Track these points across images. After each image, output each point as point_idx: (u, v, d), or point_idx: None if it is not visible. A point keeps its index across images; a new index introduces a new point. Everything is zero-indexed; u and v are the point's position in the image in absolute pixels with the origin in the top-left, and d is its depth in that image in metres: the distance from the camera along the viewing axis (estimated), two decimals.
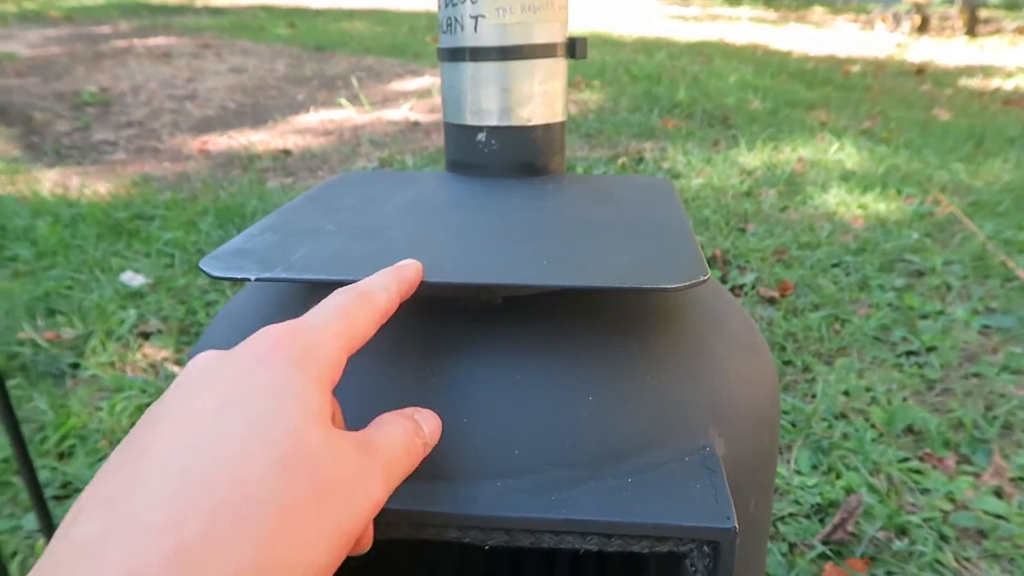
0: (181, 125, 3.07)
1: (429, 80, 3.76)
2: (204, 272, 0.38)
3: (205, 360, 0.27)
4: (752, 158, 2.45)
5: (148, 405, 1.17)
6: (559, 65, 0.56)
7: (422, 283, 0.37)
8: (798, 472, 1.02)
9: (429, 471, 0.37)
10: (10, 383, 1.16)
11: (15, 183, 2.22)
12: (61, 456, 1.05)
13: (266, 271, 0.38)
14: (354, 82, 3.68)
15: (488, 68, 0.53)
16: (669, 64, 4.06)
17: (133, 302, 1.47)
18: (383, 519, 0.35)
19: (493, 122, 0.56)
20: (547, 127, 0.57)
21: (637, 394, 0.40)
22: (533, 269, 0.39)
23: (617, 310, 0.44)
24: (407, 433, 0.31)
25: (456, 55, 0.54)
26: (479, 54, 0.53)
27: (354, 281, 0.34)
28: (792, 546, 0.89)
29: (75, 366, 1.26)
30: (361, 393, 0.38)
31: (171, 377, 1.17)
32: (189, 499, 0.22)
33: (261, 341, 0.27)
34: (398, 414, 0.32)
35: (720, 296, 0.52)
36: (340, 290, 0.32)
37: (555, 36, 0.53)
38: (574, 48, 0.56)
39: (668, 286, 0.37)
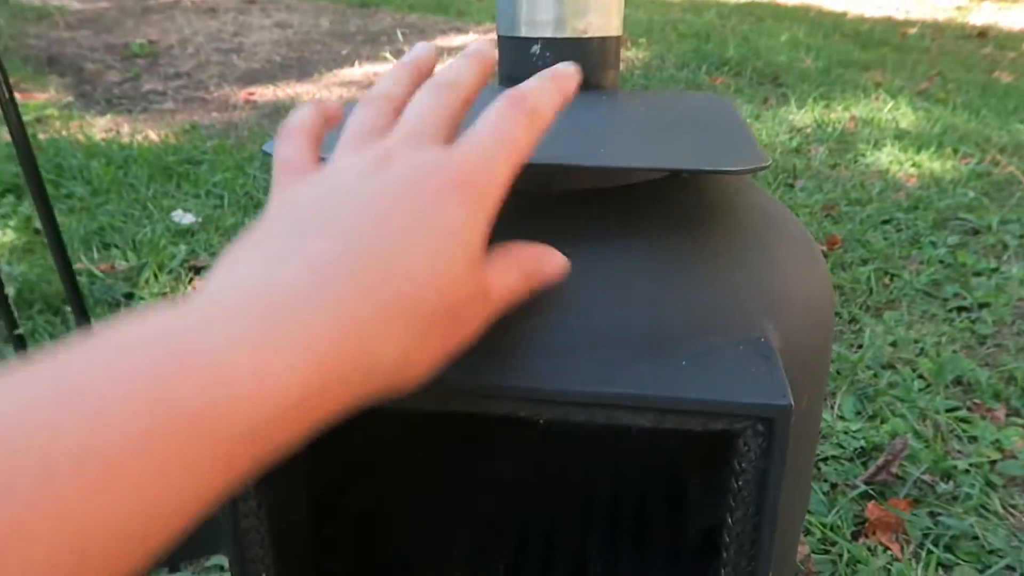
0: (228, 77, 3.10)
1: (473, 37, 3.73)
2: (267, 153, 0.39)
3: (383, 167, 0.27)
4: (803, 116, 2.39)
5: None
6: None
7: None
8: (841, 418, 1.01)
9: (487, 346, 0.37)
10: (67, 309, 1.20)
11: (69, 128, 2.27)
12: None
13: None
14: (399, 36, 3.66)
15: None
16: (718, 23, 3.96)
17: (183, 239, 1.50)
18: (441, 391, 0.35)
19: (548, 33, 0.55)
20: (602, 40, 0.56)
21: (694, 282, 0.40)
22: (589, 153, 0.39)
23: (673, 205, 0.44)
24: (520, 283, 0.32)
25: None
26: None
27: None
28: (834, 486, 0.88)
29: (129, 296, 1.29)
30: None
31: None
32: (376, 297, 0.24)
33: (445, 169, 0.27)
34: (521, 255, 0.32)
35: (779, 206, 0.51)
36: (506, 101, 0.30)
37: None
38: None
39: (732, 168, 0.37)
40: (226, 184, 1.75)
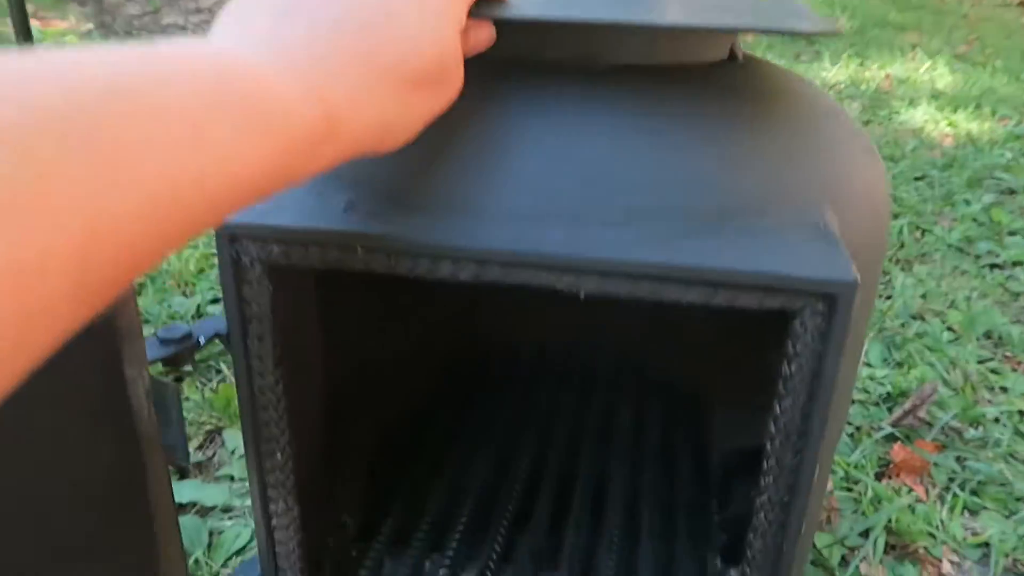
0: None
1: None
2: None
3: None
4: (836, 73, 2.32)
5: (213, 255, 1.18)
6: None
7: (532, 22, 0.34)
8: (868, 364, 0.99)
9: (523, 212, 0.35)
10: None
11: None
12: None
13: None
14: None
15: None
16: None
17: None
18: (479, 257, 0.33)
19: None
20: None
21: (750, 159, 0.37)
22: (651, 12, 0.36)
23: (728, 87, 0.41)
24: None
25: None
26: None
27: None
28: (858, 428, 0.86)
29: None
30: (483, 143, 0.36)
31: None
32: (372, 50, 0.27)
33: None
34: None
35: (832, 101, 0.48)
36: None
37: None
38: None
39: (802, 28, 0.34)
40: None
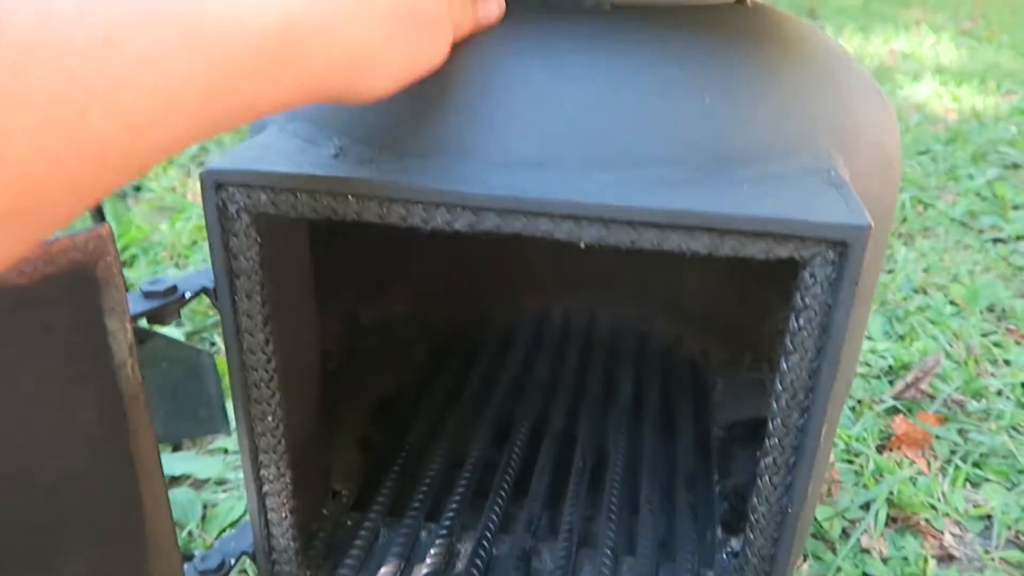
0: None
1: None
2: None
3: None
4: None
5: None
6: None
7: None
8: (869, 338, 0.98)
9: (523, 157, 0.33)
10: None
11: None
12: (123, 264, 1.06)
13: None
14: None
15: None
16: None
17: None
18: (476, 204, 0.32)
19: None
20: None
21: (759, 104, 0.35)
22: None
23: (738, 30, 0.39)
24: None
25: None
26: None
27: None
28: (859, 401, 0.85)
29: (138, 188, 1.26)
30: (481, 85, 0.34)
31: None
32: None
33: None
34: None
35: (848, 54, 0.46)
36: None
37: None
38: None
39: None
40: None
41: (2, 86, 0.16)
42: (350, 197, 0.31)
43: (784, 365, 0.33)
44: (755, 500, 0.37)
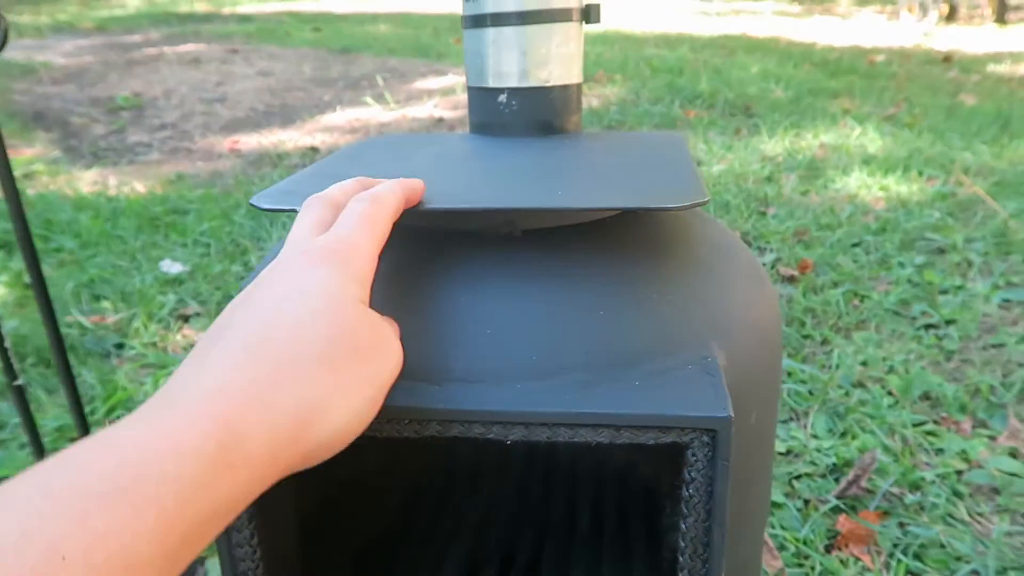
0: (212, 126, 3.15)
1: (453, 79, 3.81)
2: (254, 206, 0.43)
3: (268, 269, 0.33)
4: (773, 145, 2.46)
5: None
6: (575, 29, 0.60)
7: (449, 211, 0.41)
8: (814, 436, 1.05)
9: (456, 375, 0.41)
10: None
11: (56, 182, 2.31)
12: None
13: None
14: (379, 81, 3.74)
15: (508, 32, 0.57)
16: (691, 57, 4.07)
17: (172, 288, 1.53)
18: (419, 417, 0.39)
19: (514, 83, 0.60)
20: (564, 88, 0.61)
21: (646, 310, 0.44)
22: (547, 195, 0.43)
23: (629, 239, 0.48)
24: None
25: (479, 21, 0.58)
26: (500, 19, 0.57)
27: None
28: (807, 502, 0.92)
29: (120, 346, 1.32)
30: (399, 309, 0.42)
31: None
32: (259, 352, 0.28)
33: (311, 252, 0.33)
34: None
35: (727, 235, 0.56)
36: (356, 198, 0.37)
37: (571, 1, 0.57)
38: (589, 13, 0.60)
39: (671, 205, 0.41)
40: (213, 232, 1.79)
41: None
42: None
43: (683, 526, 0.41)
44: None
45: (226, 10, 7.58)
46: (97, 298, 1.50)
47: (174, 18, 6.87)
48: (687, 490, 0.40)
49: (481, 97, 0.62)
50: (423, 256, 0.45)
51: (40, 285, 0.84)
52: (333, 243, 0.34)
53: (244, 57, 4.66)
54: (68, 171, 2.47)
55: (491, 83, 0.60)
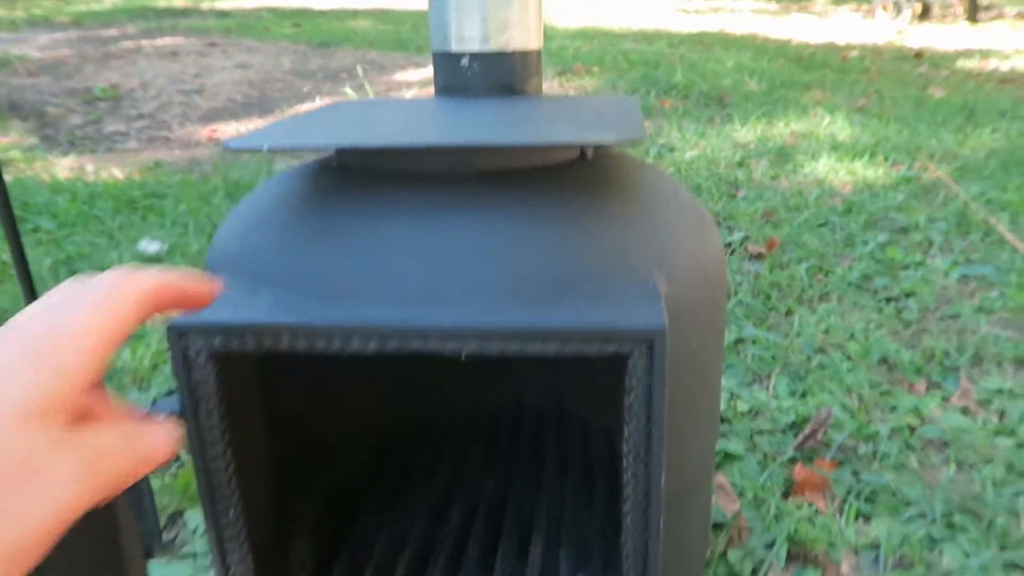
0: (190, 116, 3.16)
1: (432, 71, 3.83)
2: (227, 148, 0.46)
3: None
4: (746, 133, 2.51)
5: (166, 352, 1.25)
6: None
7: (406, 148, 0.45)
8: (775, 397, 1.09)
9: (417, 297, 0.44)
10: None
11: (33, 168, 2.31)
12: None
13: (278, 143, 0.46)
14: (359, 71, 3.76)
15: None
16: (668, 52, 4.12)
17: (151, 265, 1.55)
18: (368, 333, 0.42)
19: (475, 48, 0.63)
20: (524, 53, 0.64)
21: (593, 241, 0.47)
22: (498, 136, 0.47)
23: (581, 183, 0.51)
24: (127, 440, 0.30)
25: None
26: None
27: (354, 141, 0.41)
28: (766, 455, 0.96)
29: None
30: (377, 244, 0.45)
31: None
32: None
33: (13, 328, 0.27)
34: (127, 420, 0.32)
35: (674, 184, 0.59)
36: (113, 269, 0.32)
37: None
38: None
39: (607, 140, 0.45)
40: (191, 213, 1.80)
41: None
42: (284, 335, 0.42)
43: (626, 432, 0.44)
44: (624, 537, 0.47)
45: (204, 5, 7.55)
46: (75, 274, 1.51)
47: (151, 13, 6.83)
48: (628, 397, 0.43)
49: (445, 61, 0.65)
50: (382, 196, 0.48)
51: (21, 262, 0.85)
52: (44, 324, 0.27)
53: (222, 50, 4.65)
54: (45, 158, 2.46)
55: (454, 47, 0.64)
